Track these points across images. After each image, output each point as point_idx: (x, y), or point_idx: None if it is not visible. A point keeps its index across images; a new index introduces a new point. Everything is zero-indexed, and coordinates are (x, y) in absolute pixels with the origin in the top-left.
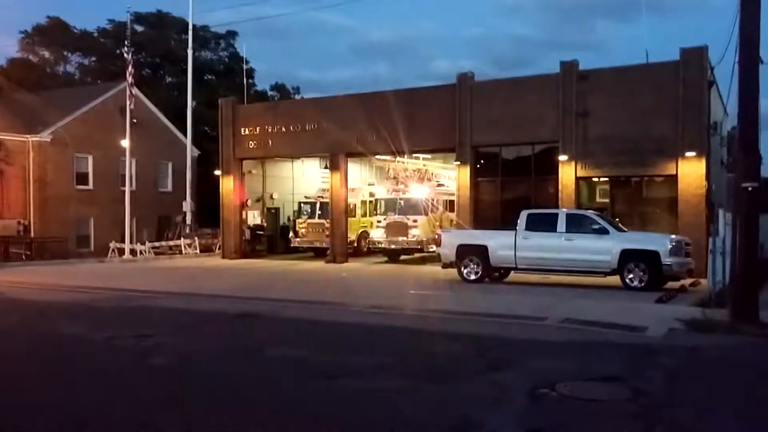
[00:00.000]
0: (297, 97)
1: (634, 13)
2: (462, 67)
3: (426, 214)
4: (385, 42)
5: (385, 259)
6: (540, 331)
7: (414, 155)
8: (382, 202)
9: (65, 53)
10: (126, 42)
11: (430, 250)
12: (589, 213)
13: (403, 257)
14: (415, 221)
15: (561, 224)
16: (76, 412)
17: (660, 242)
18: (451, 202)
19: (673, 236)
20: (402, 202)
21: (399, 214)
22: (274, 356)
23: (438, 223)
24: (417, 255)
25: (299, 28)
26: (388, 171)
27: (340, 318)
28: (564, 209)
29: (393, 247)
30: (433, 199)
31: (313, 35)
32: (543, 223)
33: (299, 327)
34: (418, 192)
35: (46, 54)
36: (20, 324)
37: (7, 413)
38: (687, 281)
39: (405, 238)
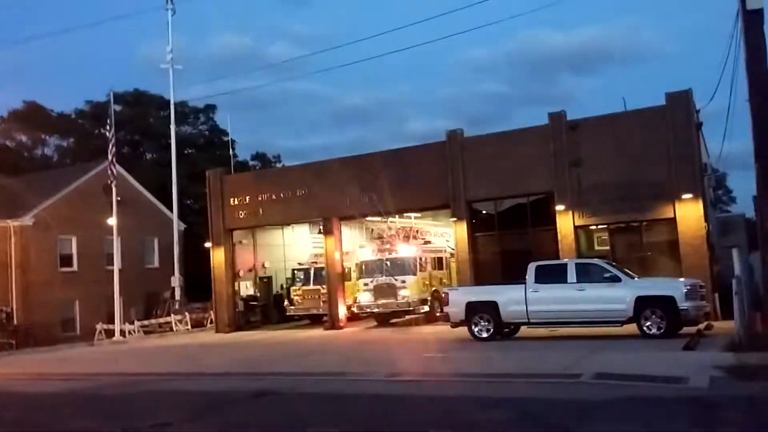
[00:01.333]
0: (278, 165)
1: (595, 65)
2: (437, 127)
3: (414, 274)
4: (361, 106)
5: (375, 323)
6: (578, 389)
7: (406, 214)
8: (368, 265)
9: (43, 136)
10: (109, 121)
11: (421, 310)
12: (599, 261)
13: (393, 320)
14: (403, 282)
15: (571, 274)
16: None
17: (675, 287)
18: (440, 259)
19: (687, 280)
20: (389, 263)
21: (386, 275)
22: None
23: (428, 282)
24: (407, 317)
25: (275, 99)
26: (372, 231)
27: (364, 389)
28: (573, 259)
29: (382, 310)
30: (420, 258)
31: (288, 104)
32: (552, 275)
33: (325, 403)
34: (405, 251)
35: (23, 138)
36: (22, 420)
37: None
38: (701, 325)
39: (394, 300)
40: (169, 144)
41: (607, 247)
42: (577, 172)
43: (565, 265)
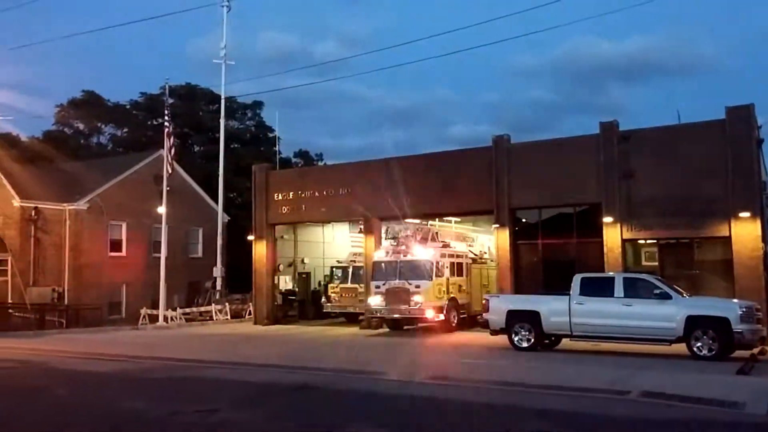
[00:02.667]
0: (320, 163)
1: (647, 75)
2: (479, 132)
3: (430, 279)
4: (403, 109)
5: (387, 330)
6: (626, 407)
7: (447, 218)
8: (381, 266)
9: (98, 125)
10: (166, 113)
11: (435, 318)
12: (648, 277)
13: (406, 327)
14: (417, 287)
15: (618, 289)
16: None
17: (730, 308)
18: (459, 265)
19: (742, 302)
20: (403, 266)
21: (400, 279)
22: None
23: (444, 289)
24: (420, 325)
25: (319, 97)
26: (387, 230)
27: (402, 391)
28: (621, 273)
29: (393, 316)
30: (438, 262)
31: (332, 103)
32: (598, 288)
33: (363, 401)
34: (422, 254)
35: (80, 126)
36: (73, 398)
37: None
38: (755, 349)
39: (407, 306)
40: (217, 138)
41: (656, 263)
42: (628, 184)
43: (613, 278)
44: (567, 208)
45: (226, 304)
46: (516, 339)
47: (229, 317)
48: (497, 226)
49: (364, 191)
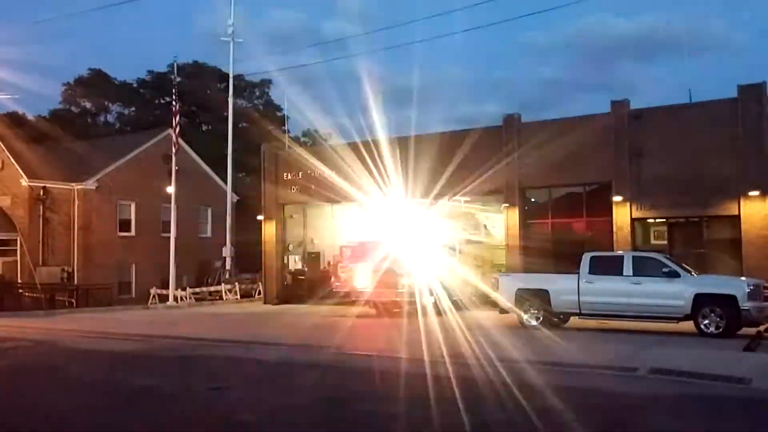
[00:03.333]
0: (328, 142)
1: (658, 53)
2: (488, 111)
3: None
4: (410, 87)
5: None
6: (636, 383)
7: (456, 198)
8: (368, 247)
9: (106, 103)
10: (174, 92)
11: (425, 301)
12: (657, 255)
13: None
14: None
15: (627, 267)
16: None
17: (737, 286)
18: (451, 248)
19: (750, 279)
20: (392, 246)
21: (388, 260)
22: (364, 412)
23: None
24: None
25: (326, 76)
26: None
27: (415, 369)
28: (630, 251)
29: (380, 299)
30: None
31: (340, 81)
32: (607, 266)
33: (374, 378)
34: (410, 235)
35: (87, 104)
36: (88, 376)
37: None
38: (762, 327)
39: (394, 290)
40: (225, 117)
41: (665, 242)
42: (638, 163)
43: (622, 257)
44: (577, 187)
45: (236, 283)
46: (525, 317)
47: (238, 297)
48: (507, 205)
49: (372, 170)
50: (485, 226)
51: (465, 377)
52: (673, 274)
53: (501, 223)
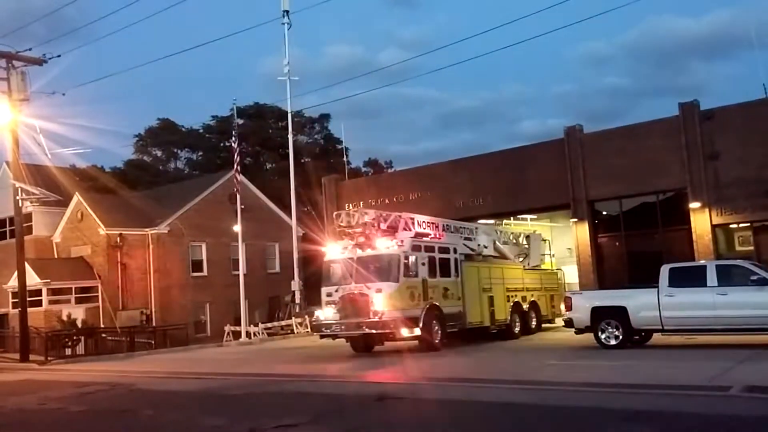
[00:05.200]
0: (390, 170)
1: (729, 50)
2: (551, 126)
3: (396, 280)
4: (471, 108)
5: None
6: (729, 403)
7: (522, 216)
8: (333, 267)
9: (175, 150)
10: (234, 133)
11: (409, 334)
12: (743, 262)
13: (377, 347)
14: (379, 290)
15: (711, 277)
16: None
17: None
18: (445, 261)
19: None
20: (360, 264)
21: (357, 282)
22: None
23: (420, 293)
24: (386, 343)
25: (385, 105)
26: (340, 218)
27: (487, 396)
28: (713, 260)
29: (347, 332)
30: (408, 257)
31: (399, 110)
32: (689, 278)
33: (446, 409)
34: (386, 246)
35: (158, 153)
36: (157, 417)
37: None
38: None
39: (365, 318)
40: (287, 153)
41: (751, 247)
42: (714, 166)
43: (704, 267)
44: (649, 196)
45: (306, 316)
46: (603, 337)
47: (309, 330)
48: (575, 220)
49: (434, 195)
50: (519, 247)
51: (522, 405)
52: (763, 282)
53: (560, 242)
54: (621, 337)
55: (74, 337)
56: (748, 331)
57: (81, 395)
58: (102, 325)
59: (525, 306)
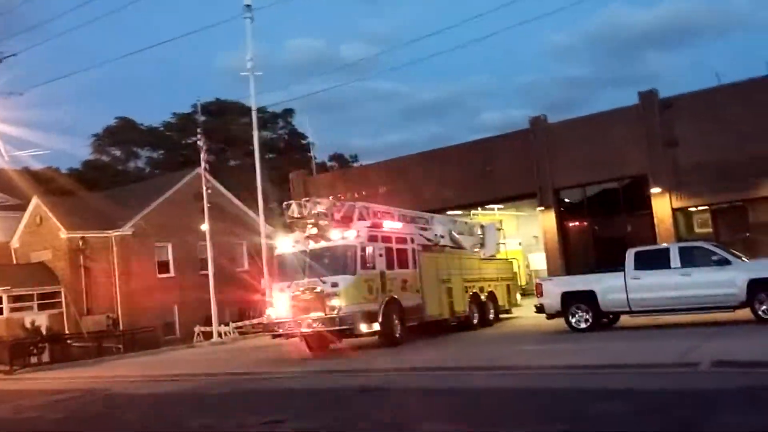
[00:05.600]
0: (356, 164)
1: (682, 39)
2: (514, 117)
3: (353, 273)
4: (434, 101)
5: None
6: (698, 379)
7: (489, 207)
8: (284, 261)
9: (134, 149)
10: (199, 130)
11: (367, 330)
12: (704, 244)
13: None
14: (335, 284)
15: (674, 259)
16: None
17: None
18: (403, 252)
19: None
20: (314, 257)
21: (310, 277)
22: None
23: (378, 287)
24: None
25: (349, 99)
26: (290, 209)
27: (467, 384)
28: (676, 243)
29: (301, 330)
30: (364, 248)
31: (363, 104)
32: (653, 261)
33: (431, 398)
34: (341, 237)
35: (117, 153)
36: (143, 420)
37: None
38: None
39: (319, 315)
40: (252, 150)
41: (710, 230)
42: (673, 153)
43: (668, 249)
44: (612, 183)
45: None
46: (573, 321)
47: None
48: (542, 208)
49: (403, 187)
50: (482, 237)
51: (505, 389)
52: (724, 262)
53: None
54: (591, 320)
55: (39, 345)
56: (712, 309)
57: (56, 402)
58: (67, 331)
59: (483, 297)
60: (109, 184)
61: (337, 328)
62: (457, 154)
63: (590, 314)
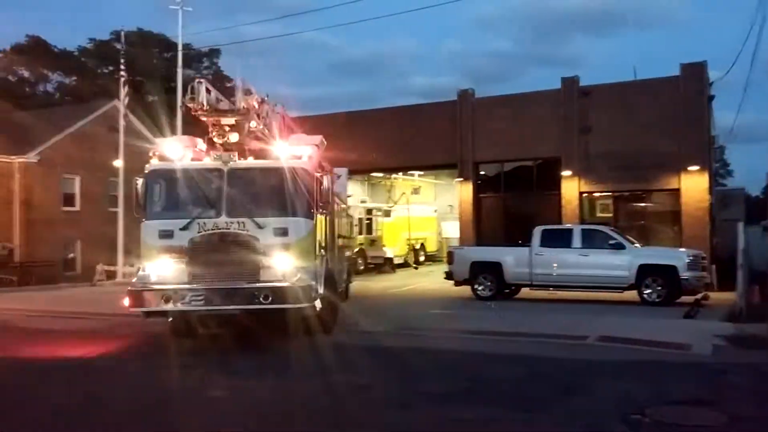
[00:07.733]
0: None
1: (611, 27)
2: (441, 83)
3: (310, 216)
4: (363, 59)
5: None
6: (586, 350)
7: (411, 172)
8: (178, 182)
9: (45, 72)
10: (122, 61)
11: (303, 304)
12: (604, 228)
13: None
14: (281, 231)
15: (576, 240)
16: None
17: (678, 257)
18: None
19: (689, 250)
20: (236, 182)
21: (231, 216)
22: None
23: (324, 244)
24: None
25: (278, 46)
26: (198, 93)
27: (368, 343)
28: (578, 224)
29: (216, 306)
30: (321, 178)
31: (289, 51)
32: (557, 239)
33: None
34: (291, 156)
35: (26, 73)
36: (54, 355)
37: None
38: (699, 295)
39: (248, 282)
40: (172, 87)
41: (610, 215)
42: (586, 139)
43: (571, 230)
44: (527, 161)
45: None
46: (479, 289)
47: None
48: (461, 179)
49: (329, 144)
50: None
51: (421, 349)
52: (619, 246)
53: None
54: (494, 290)
55: None
56: (604, 289)
57: None
58: None
59: None
60: (15, 106)
61: (279, 306)
62: (385, 118)
63: (494, 284)
